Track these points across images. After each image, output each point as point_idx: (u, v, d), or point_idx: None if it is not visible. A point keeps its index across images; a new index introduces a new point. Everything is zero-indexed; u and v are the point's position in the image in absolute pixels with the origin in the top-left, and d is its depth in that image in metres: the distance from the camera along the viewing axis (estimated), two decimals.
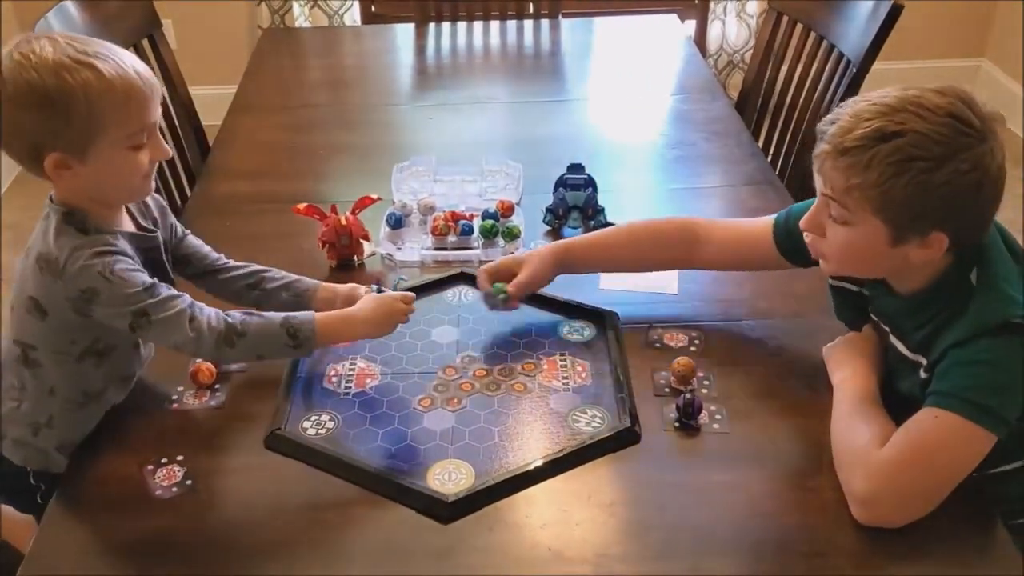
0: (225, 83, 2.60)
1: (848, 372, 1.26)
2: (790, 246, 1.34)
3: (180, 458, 1.22)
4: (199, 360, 1.34)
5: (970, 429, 1.08)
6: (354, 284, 1.42)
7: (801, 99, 2.11)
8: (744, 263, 1.46)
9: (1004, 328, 1.09)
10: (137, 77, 1.16)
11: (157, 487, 1.18)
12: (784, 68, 2.20)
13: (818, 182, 1.16)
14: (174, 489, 1.18)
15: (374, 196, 1.65)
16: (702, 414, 1.26)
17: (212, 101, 2.58)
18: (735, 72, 3.60)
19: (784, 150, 2.17)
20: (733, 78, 3.60)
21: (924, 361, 1.17)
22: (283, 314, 1.25)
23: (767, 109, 2.26)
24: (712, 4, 3.57)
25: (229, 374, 1.36)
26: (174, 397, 1.32)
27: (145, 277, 1.19)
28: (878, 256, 1.15)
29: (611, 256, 1.49)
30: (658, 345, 1.41)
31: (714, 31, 3.60)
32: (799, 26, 2.18)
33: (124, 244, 1.21)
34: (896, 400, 1.22)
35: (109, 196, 1.23)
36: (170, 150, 1.27)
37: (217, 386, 1.34)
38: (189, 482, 1.19)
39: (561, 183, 1.70)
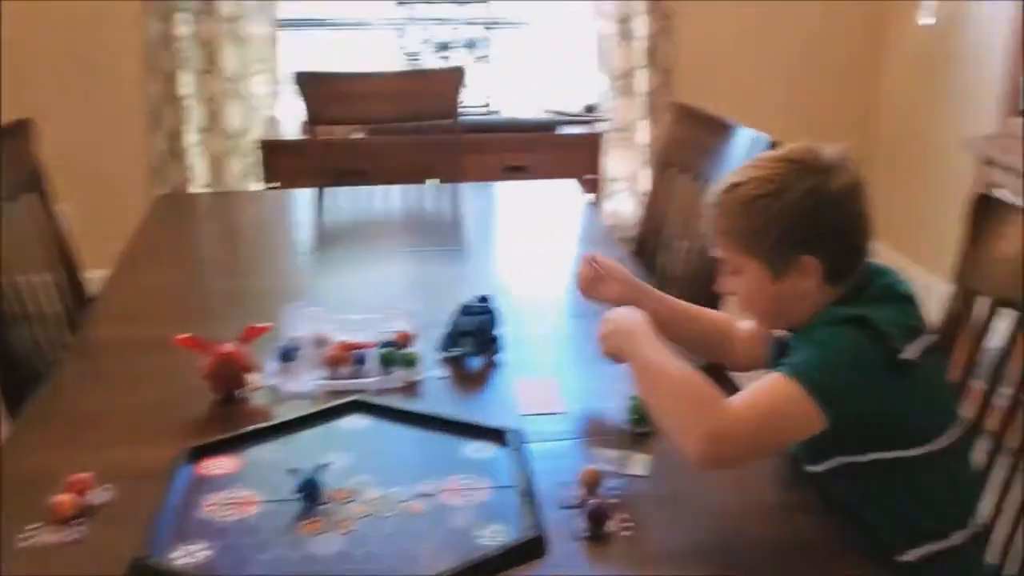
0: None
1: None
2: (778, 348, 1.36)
3: None
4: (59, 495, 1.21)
5: (805, 402, 1.14)
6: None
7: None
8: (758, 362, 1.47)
9: (846, 320, 1.20)
10: None
11: None
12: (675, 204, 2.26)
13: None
14: None
15: (263, 325, 1.57)
16: (611, 521, 1.18)
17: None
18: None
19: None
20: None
21: None
22: None
23: (665, 245, 2.29)
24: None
25: (94, 508, 1.22)
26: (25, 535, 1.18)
27: None
28: (771, 295, 1.28)
29: (685, 328, 1.52)
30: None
31: (608, 208, 3.72)
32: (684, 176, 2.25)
33: None
34: None
35: None
36: None
37: (80, 519, 1.20)
38: None
39: (459, 310, 1.66)
